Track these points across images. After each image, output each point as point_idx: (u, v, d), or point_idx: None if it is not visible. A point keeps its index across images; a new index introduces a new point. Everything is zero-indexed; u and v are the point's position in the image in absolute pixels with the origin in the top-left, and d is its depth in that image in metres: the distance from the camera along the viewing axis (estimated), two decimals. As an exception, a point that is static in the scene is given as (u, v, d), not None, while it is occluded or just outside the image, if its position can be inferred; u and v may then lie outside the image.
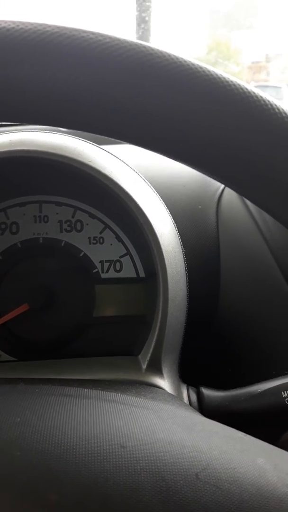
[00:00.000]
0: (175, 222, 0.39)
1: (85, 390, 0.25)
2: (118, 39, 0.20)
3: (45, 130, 0.39)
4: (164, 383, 0.34)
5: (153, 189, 0.39)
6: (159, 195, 0.40)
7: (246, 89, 0.20)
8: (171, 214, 0.39)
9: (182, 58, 0.20)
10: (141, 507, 0.17)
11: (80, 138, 0.38)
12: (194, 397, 0.36)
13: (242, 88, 0.20)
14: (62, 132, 0.39)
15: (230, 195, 0.54)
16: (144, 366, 0.35)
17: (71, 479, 0.18)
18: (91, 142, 0.38)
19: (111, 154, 0.38)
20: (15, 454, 0.18)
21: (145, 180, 0.39)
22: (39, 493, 0.17)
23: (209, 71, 0.20)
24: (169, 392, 0.34)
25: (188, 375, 0.39)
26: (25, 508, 0.17)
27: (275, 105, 0.21)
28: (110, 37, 0.20)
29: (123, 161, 0.38)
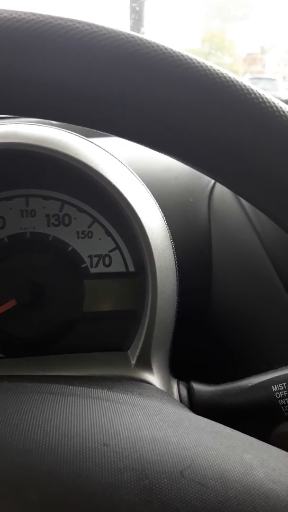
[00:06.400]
0: (167, 216, 0.38)
1: (71, 387, 0.24)
2: (97, 26, 0.19)
3: (33, 122, 0.38)
4: (154, 378, 0.34)
5: (142, 182, 0.38)
6: (151, 188, 0.39)
7: (238, 82, 0.19)
8: (162, 207, 0.38)
9: (159, 44, 0.19)
10: (123, 506, 0.17)
11: (67, 131, 0.38)
12: (184, 392, 0.36)
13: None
14: (52, 125, 0.38)
15: (221, 188, 0.53)
16: (133, 362, 0.35)
17: (52, 478, 0.17)
18: (78, 135, 0.38)
19: (98, 146, 0.37)
20: None
21: (134, 173, 0.38)
22: (19, 493, 0.17)
23: (184, 56, 0.19)
24: (159, 387, 0.33)
25: (181, 371, 0.39)
26: (5, 508, 0.16)
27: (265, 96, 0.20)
28: (88, 24, 0.19)
29: (111, 154, 0.38)
